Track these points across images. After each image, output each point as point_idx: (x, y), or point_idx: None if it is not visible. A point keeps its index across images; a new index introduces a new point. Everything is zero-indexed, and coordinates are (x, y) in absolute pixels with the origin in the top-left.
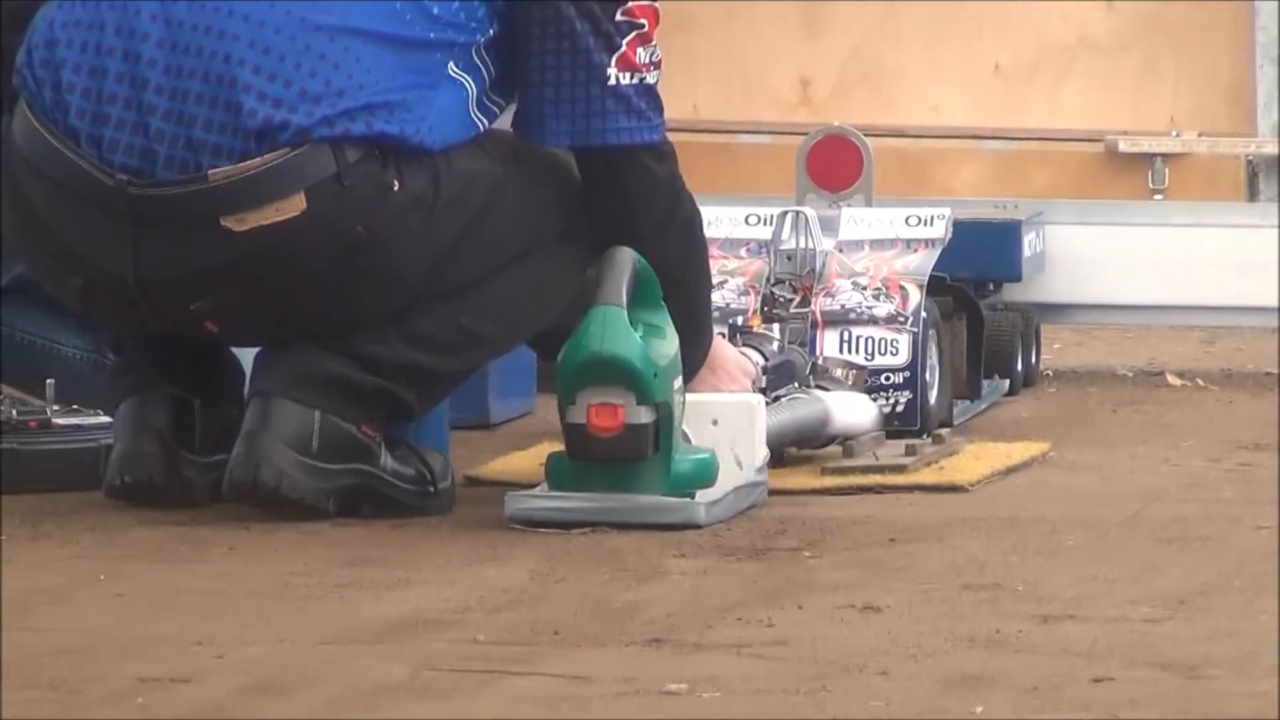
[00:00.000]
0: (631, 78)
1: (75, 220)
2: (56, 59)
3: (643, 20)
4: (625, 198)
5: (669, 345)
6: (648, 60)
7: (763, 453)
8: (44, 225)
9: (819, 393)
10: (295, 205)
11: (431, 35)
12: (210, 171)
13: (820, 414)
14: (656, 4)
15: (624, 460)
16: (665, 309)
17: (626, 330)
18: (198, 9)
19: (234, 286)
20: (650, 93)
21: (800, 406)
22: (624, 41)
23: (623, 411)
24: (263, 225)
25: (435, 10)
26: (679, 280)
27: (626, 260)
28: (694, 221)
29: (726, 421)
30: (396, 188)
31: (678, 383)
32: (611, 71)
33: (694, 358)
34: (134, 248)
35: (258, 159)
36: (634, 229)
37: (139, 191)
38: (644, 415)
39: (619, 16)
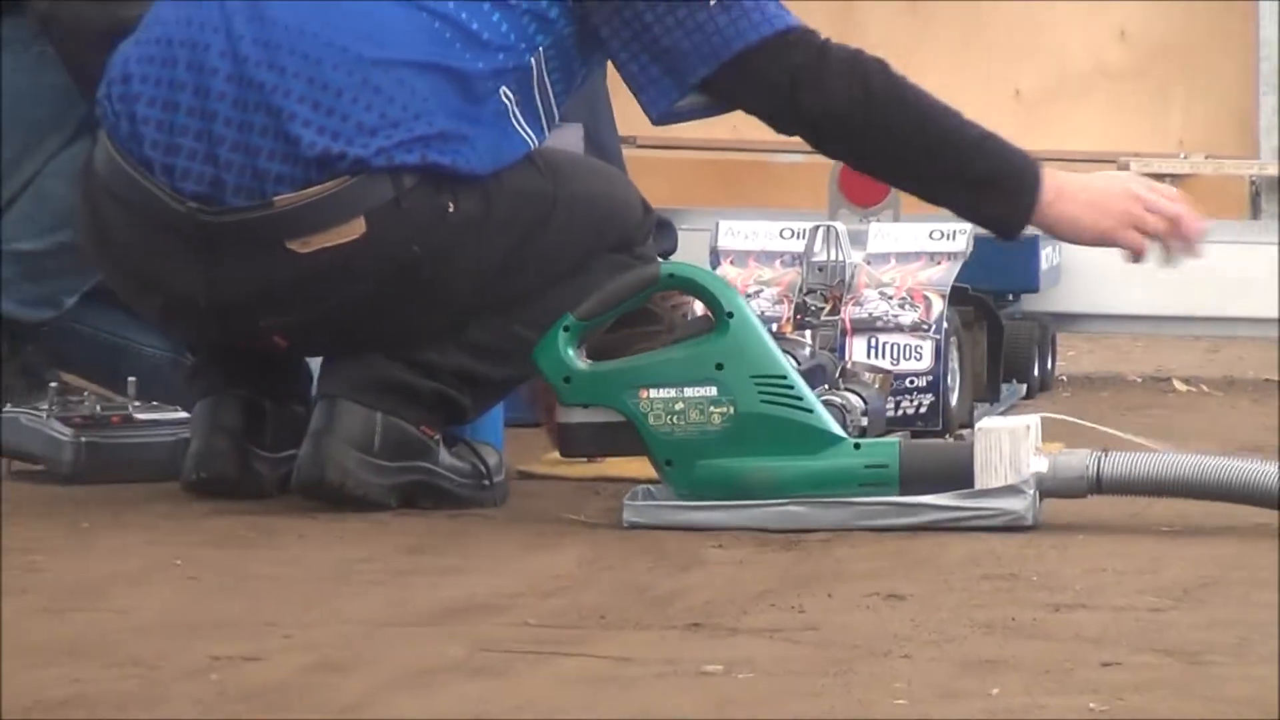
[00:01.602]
0: None
1: (150, 245)
2: (132, 93)
3: None
4: (808, 97)
5: (680, 346)
6: None
7: (1030, 473)
8: (122, 248)
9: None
10: (356, 229)
11: (480, 65)
12: (275, 199)
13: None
14: None
15: (578, 451)
16: (714, 294)
17: (553, 341)
18: (261, 46)
19: (300, 304)
20: None
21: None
22: None
23: (557, 411)
24: (326, 247)
25: (485, 36)
26: (920, 136)
27: (625, 281)
28: (885, 72)
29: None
30: (451, 209)
31: (659, 398)
32: None
33: (1011, 191)
34: (205, 271)
35: (319, 186)
36: (838, 124)
37: (209, 218)
38: (574, 415)
39: None
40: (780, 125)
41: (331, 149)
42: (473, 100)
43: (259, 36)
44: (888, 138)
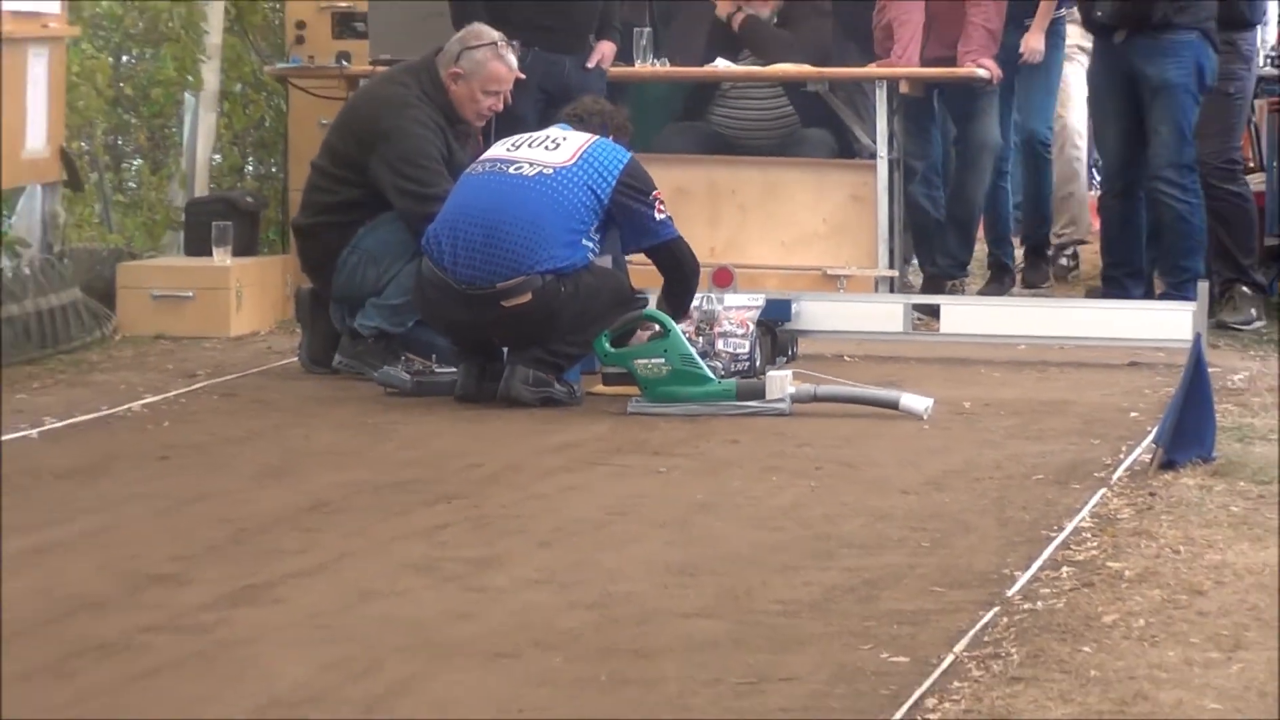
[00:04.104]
0: (663, 215)
1: (445, 302)
2: (439, 240)
3: (660, 199)
4: (677, 261)
5: (652, 343)
6: (666, 210)
7: (788, 393)
8: (434, 305)
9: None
10: (527, 296)
11: (580, 231)
12: (498, 284)
13: (886, 397)
14: (659, 192)
15: (613, 383)
16: (662, 321)
17: (600, 340)
18: (495, 224)
19: (506, 328)
20: (671, 221)
21: (865, 388)
22: (656, 201)
23: (602, 368)
24: (516, 304)
25: (584, 222)
26: (691, 288)
27: (632, 316)
28: (697, 267)
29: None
30: (563, 290)
31: (645, 362)
32: (657, 215)
33: (685, 310)
34: (468, 314)
35: (515, 280)
36: (686, 275)
37: (472, 293)
38: (609, 369)
39: (652, 194)
40: (667, 269)
41: (524, 264)
42: (575, 244)
43: (494, 220)
44: (690, 283)
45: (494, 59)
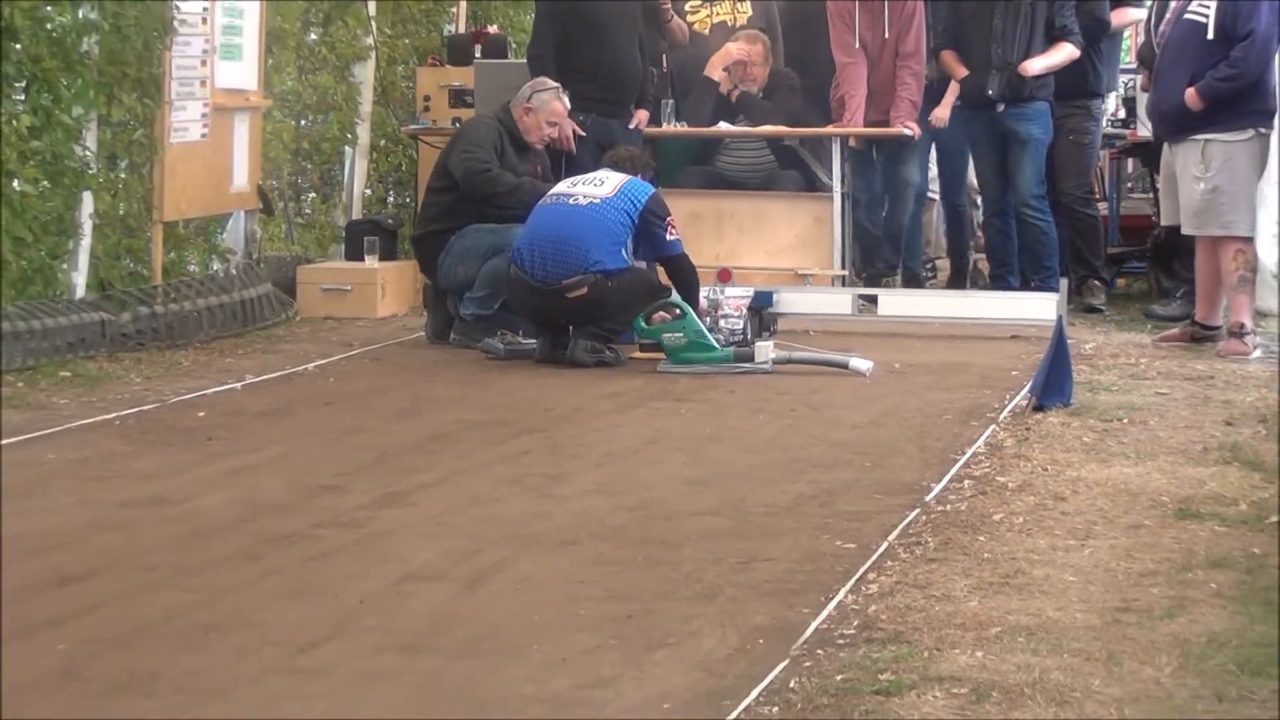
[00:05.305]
0: (674, 236)
1: (525, 294)
2: (521, 251)
3: (672, 224)
4: (680, 268)
5: (674, 322)
6: (676, 232)
7: (771, 357)
8: (520, 298)
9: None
10: (584, 290)
11: (620, 242)
12: (563, 281)
13: (840, 360)
14: (672, 218)
15: (646, 350)
16: (681, 307)
17: (638, 319)
18: (560, 238)
19: (570, 313)
20: (679, 240)
21: (825, 354)
22: (669, 224)
23: (639, 339)
24: (577, 295)
25: (620, 235)
26: (691, 288)
27: (660, 304)
28: (695, 273)
29: (766, 349)
30: (610, 285)
31: (669, 335)
32: (669, 236)
33: (695, 302)
34: (542, 303)
35: (575, 278)
36: (687, 279)
37: (546, 288)
38: (645, 341)
39: (667, 220)
40: (673, 275)
41: (581, 267)
42: (617, 251)
43: (559, 236)
44: (690, 285)
45: (555, 99)
